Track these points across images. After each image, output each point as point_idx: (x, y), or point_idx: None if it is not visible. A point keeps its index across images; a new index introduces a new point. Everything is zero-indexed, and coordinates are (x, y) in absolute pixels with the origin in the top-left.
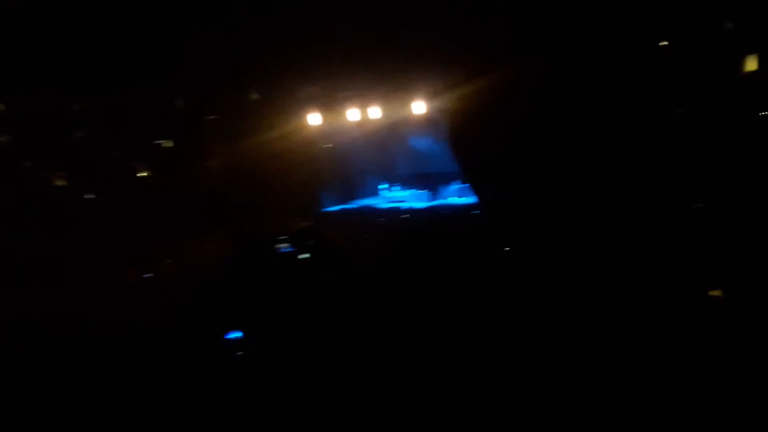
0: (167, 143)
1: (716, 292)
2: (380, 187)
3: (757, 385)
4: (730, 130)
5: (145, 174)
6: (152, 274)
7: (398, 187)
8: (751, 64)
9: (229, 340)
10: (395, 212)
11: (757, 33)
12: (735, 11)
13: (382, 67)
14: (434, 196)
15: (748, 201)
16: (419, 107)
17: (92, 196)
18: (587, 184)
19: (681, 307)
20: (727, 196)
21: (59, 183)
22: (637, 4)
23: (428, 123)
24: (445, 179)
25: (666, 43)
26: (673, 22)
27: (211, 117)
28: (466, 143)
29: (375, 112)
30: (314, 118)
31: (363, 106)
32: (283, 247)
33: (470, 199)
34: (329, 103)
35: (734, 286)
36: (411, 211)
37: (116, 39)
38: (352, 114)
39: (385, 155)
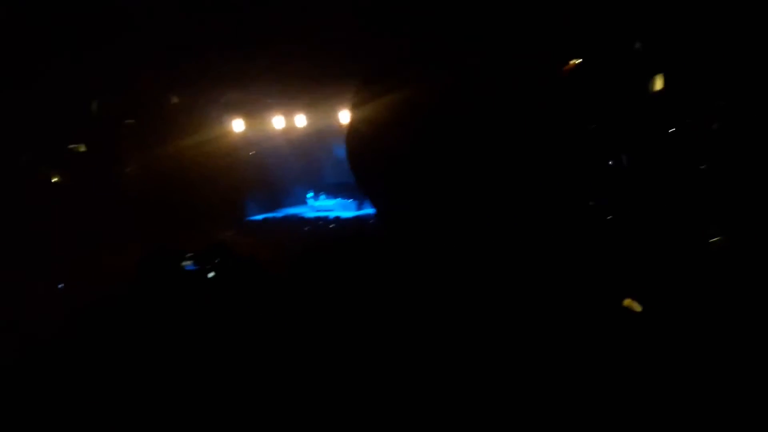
0: (80, 147)
1: (629, 302)
2: (307, 196)
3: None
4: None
5: (55, 179)
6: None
7: (324, 196)
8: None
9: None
10: (321, 221)
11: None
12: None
13: (308, 74)
14: (361, 206)
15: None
16: (345, 116)
17: None
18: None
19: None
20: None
21: None
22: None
23: None
24: None
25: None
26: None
27: (128, 121)
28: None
29: (301, 120)
30: (238, 125)
31: (288, 114)
32: (189, 264)
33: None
34: (254, 109)
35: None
36: (337, 221)
37: (30, 35)
38: (278, 121)
39: (311, 164)
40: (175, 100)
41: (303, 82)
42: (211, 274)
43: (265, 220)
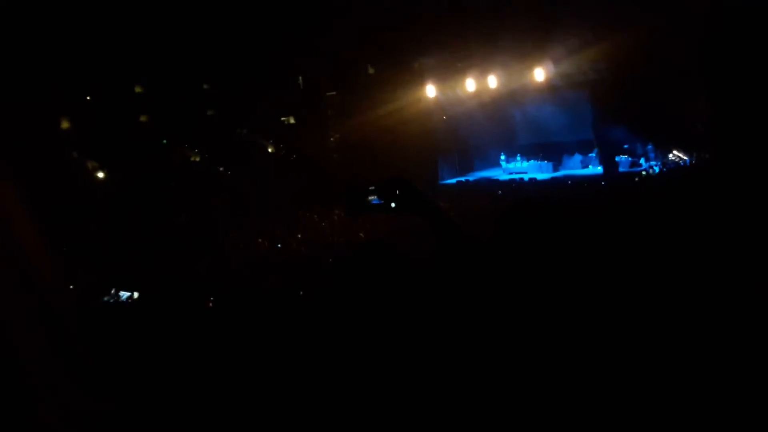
0: (290, 120)
1: None
2: (500, 158)
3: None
4: None
5: (270, 150)
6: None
7: (518, 159)
8: None
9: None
10: (515, 184)
11: None
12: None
13: (498, 34)
14: (557, 168)
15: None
16: (539, 75)
17: (222, 169)
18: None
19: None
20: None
21: (194, 159)
22: None
23: (549, 90)
24: (567, 149)
25: None
26: None
27: (330, 93)
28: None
29: (493, 82)
30: (431, 90)
31: (480, 76)
32: (374, 198)
33: (596, 170)
34: (445, 74)
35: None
36: (533, 183)
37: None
38: (470, 84)
39: (504, 125)
40: (371, 70)
41: (493, 42)
42: (392, 205)
43: (458, 182)
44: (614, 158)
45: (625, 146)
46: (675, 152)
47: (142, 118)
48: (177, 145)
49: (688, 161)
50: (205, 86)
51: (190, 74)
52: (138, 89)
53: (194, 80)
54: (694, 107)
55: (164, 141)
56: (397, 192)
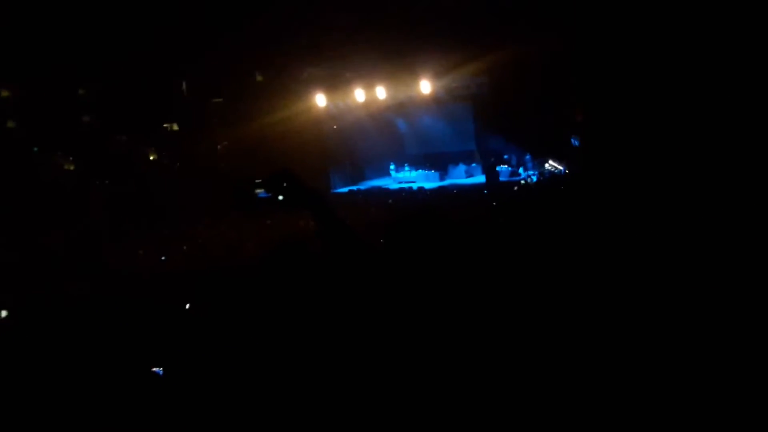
0: (173, 126)
1: None
2: (390, 168)
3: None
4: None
5: (152, 157)
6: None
7: (407, 168)
8: None
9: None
10: (405, 193)
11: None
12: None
13: (387, 46)
14: (443, 177)
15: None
16: (426, 87)
17: (103, 180)
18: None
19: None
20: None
21: (68, 167)
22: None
23: (435, 103)
24: (452, 159)
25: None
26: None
27: (216, 100)
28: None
29: (381, 93)
30: (320, 99)
31: (368, 87)
32: (261, 192)
33: (479, 179)
34: (335, 84)
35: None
36: (421, 192)
37: (122, 26)
38: (359, 95)
39: (392, 136)
40: (259, 78)
41: (382, 54)
42: (280, 198)
43: (349, 191)
44: (495, 168)
45: (505, 157)
46: (551, 162)
47: (10, 124)
48: (49, 153)
49: (562, 170)
50: (80, 90)
51: (65, 77)
52: (5, 93)
53: (69, 83)
54: (567, 120)
55: (35, 149)
56: (284, 184)
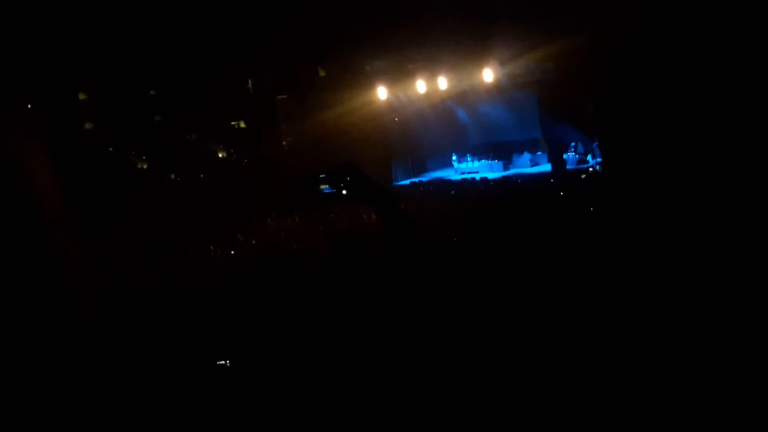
0: (240, 124)
1: None
2: (452, 158)
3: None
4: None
5: (221, 155)
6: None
7: (469, 158)
8: None
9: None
10: (468, 184)
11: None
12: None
13: (448, 35)
14: (507, 166)
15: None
16: (488, 75)
17: (173, 176)
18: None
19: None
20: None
21: (141, 166)
22: None
23: (498, 91)
24: (517, 149)
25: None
26: None
27: (281, 97)
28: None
29: (443, 83)
30: (382, 92)
31: (430, 78)
32: (326, 187)
33: (545, 168)
34: (396, 76)
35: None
36: (484, 182)
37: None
38: (420, 86)
39: (454, 126)
40: (321, 73)
41: (441, 45)
42: (344, 192)
43: (411, 184)
44: (562, 156)
45: (572, 144)
46: None
47: (88, 126)
48: (124, 153)
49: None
50: (152, 92)
51: (137, 79)
52: (82, 96)
53: (141, 85)
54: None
55: (110, 149)
56: (348, 178)
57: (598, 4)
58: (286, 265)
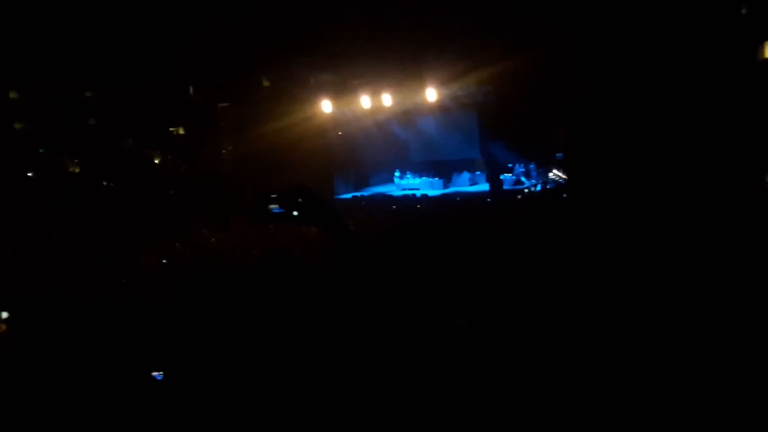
0: (178, 130)
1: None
2: (394, 174)
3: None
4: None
5: (157, 161)
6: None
7: (410, 175)
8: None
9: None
10: (409, 200)
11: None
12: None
13: (393, 54)
14: (447, 184)
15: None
16: (431, 94)
17: (107, 182)
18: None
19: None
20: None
21: (73, 169)
22: None
23: (440, 110)
24: (457, 167)
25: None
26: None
27: (223, 105)
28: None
29: (386, 100)
30: (326, 106)
31: (374, 94)
32: (276, 207)
33: (483, 188)
34: (341, 90)
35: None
36: (424, 199)
37: (131, 31)
38: (364, 101)
39: (397, 143)
40: (265, 83)
41: (389, 61)
42: (294, 213)
43: (353, 198)
44: (499, 176)
45: (509, 165)
46: (555, 171)
47: (17, 125)
48: (55, 155)
49: (566, 180)
50: (87, 93)
51: (72, 79)
52: (12, 95)
53: (76, 86)
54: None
55: (41, 150)
56: (299, 200)
57: (536, 29)
58: (213, 275)
